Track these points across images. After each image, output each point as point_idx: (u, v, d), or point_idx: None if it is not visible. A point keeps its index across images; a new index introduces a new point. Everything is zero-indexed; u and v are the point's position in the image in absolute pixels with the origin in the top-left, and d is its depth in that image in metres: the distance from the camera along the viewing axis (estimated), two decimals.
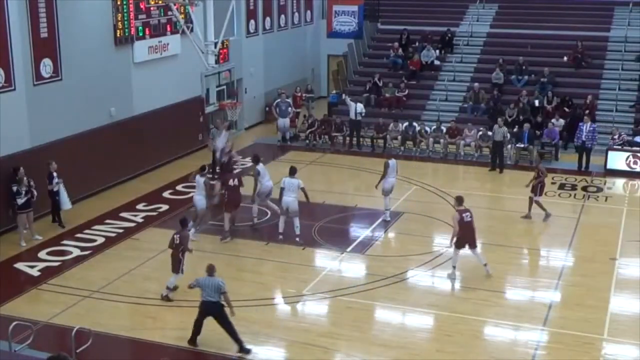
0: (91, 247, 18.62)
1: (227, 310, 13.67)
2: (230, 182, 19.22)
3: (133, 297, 15.91)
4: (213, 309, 13.65)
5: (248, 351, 13.68)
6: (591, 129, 25.25)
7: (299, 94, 31.30)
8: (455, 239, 16.73)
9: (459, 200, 17.18)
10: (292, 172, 18.78)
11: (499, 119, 25.71)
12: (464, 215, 16.68)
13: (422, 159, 26.67)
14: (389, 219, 20.42)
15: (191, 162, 25.81)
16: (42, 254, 18.21)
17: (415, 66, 31.64)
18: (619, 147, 25.26)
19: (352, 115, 27.72)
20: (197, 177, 19.06)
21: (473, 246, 16.91)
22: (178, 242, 15.50)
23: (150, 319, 15.15)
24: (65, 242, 19.00)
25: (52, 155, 19.88)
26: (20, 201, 18.51)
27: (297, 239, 18.60)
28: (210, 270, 13.77)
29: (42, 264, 17.67)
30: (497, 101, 28.84)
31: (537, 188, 20.50)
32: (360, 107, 27.93)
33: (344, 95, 29.71)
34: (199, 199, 18.92)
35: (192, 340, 13.91)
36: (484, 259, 17.00)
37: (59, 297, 15.96)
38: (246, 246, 18.85)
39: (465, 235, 16.67)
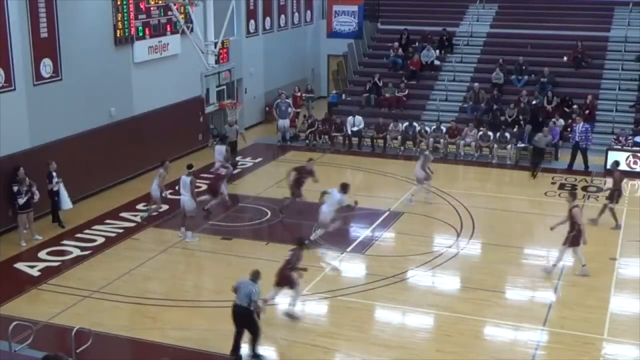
0: (91, 247, 18.62)
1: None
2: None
3: (133, 297, 15.90)
4: (243, 315, 13.26)
5: (260, 357, 13.54)
6: (584, 129, 25.22)
7: (299, 94, 31.29)
8: (572, 235, 16.80)
9: (574, 195, 17.29)
10: (343, 188, 18.38)
11: (545, 128, 25.40)
12: (580, 210, 16.88)
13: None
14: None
15: (191, 162, 25.81)
16: (42, 254, 18.21)
17: (415, 66, 31.63)
18: (619, 147, 25.28)
19: (349, 130, 27.79)
20: (183, 177, 19.00)
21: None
22: (289, 258, 14.91)
23: (150, 319, 15.15)
24: (65, 242, 18.99)
25: (52, 155, 19.88)
26: (21, 201, 18.51)
27: (307, 241, 18.05)
28: (254, 275, 13.45)
29: (42, 264, 17.66)
30: (497, 101, 28.87)
31: (614, 195, 20.22)
32: (358, 120, 27.92)
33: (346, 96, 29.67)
34: (187, 200, 18.85)
35: (233, 351, 13.49)
36: (584, 259, 17.09)
37: (59, 297, 15.96)
38: (246, 246, 18.85)
39: (579, 233, 16.82)
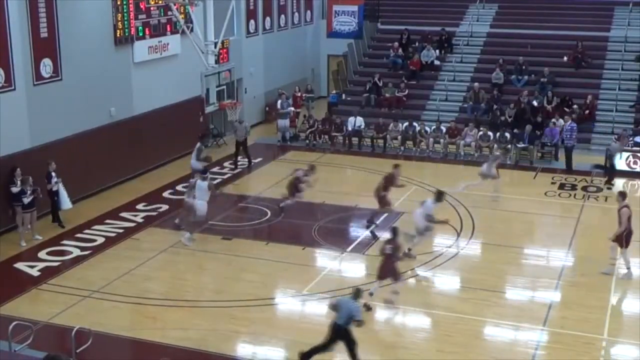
0: (91, 247, 18.61)
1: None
2: None
3: (133, 297, 15.91)
4: (342, 334, 13.07)
5: None
6: (569, 127, 25.27)
7: (299, 94, 31.29)
8: (625, 237, 16.68)
9: (624, 195, 17.12)
10: (437, 196, 18.03)
11: (615, 137, 25.29)
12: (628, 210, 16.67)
13: (422, 159, 26.68)
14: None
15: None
16: (42, 254, 18.20)
17: (415, 66, 31.64)
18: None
19: (349, 128, 27.86)
20: (199, 181, 18.92)
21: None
22: (389, 252, 15.35)
23: (150, 319, 15.15)
24: (65, 242, 18.99)
25: (52, 155, 19.87)
26: (26, 200, 18.48)
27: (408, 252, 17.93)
28: (356, 294, 13.28)
29: (42, 264, 17.66)
30: (497, 101, 28.89)
31: None
32: (359, 121, 27.95)
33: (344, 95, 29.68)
34: (201, 204, 18.78)
35: (306, 355, 13.31)
36: (629, 262, 16.98)
37: (59, 297, 15.96)
38: (246, 246, 18.85)
39: (630, 233, 16.73)
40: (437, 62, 32.11)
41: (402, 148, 27.37)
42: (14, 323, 13.35)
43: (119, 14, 22.88)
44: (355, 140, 27.89)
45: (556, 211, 21.30)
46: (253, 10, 31.14)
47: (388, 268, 15.42)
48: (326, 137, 28.36)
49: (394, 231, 15.83)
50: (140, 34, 23.95)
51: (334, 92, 33.86)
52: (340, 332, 13.03)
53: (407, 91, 30.42)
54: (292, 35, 34.56)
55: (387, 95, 30.41)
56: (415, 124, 27.71)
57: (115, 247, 18.71)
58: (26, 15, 19.61)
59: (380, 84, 30.83)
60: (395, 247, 15.56)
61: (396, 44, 32.71)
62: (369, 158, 26.52)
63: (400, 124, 27.75)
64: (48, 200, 19.74)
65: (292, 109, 29.39)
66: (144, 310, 15.52)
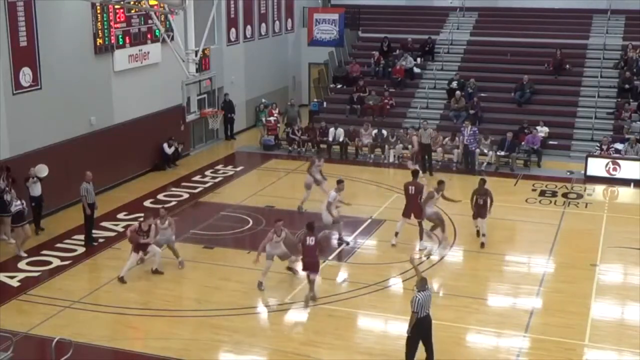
0: (71, 257, 18.48)
1: None
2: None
3: (114, 307, 15.81)
4: (429, 322, 13.21)
5: None
6: (472, 132, 25.59)
7: (275, 110, 30.86)
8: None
9: (414, 174, 19.50)
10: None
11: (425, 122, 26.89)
12: (409, 187, 18.69)
13: (391, 166, 26.76)
14: None
15: (173, 171, 25.74)
16: (21, 264, 18.04)
17: (400, 74, 31.74)
18: (598, 154, 25.47)
19: (330, 139, 27.91)
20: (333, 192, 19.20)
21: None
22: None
23: (132, 329, 15.07)
24: (45, 252, 18.83)
25: (32, 164, 19.72)
26: (12, 209, 18.29)
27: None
28: (424, 283, 13.21)
29: (22, 274, 17.51)
30: (477, 108, 29.07)
31: None
32: (340, 132, 27.98)
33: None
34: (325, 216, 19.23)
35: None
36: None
37: (39, 308, 15.82)
38: (228, 255, 18.79)
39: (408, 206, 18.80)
40: (416, 70, 32.26)
41: (372, 155, 27.44)
42: None
43: (99, 23, 22.79)
44: (337, 149, 27.88)
45: (537, 218, 21.38)
46: (234, 19, 31.12)
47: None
48: (309, 144, 28.36)
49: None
50: (121, 43, 23.86)
51: (315, 100, 33.87)
52: (427, 323, 13.15)
53: (393, 101, 30.48)
54: (273, 44, 34.56)
55: (370, 103, 30.47)
56: (383, 130, 27.78)
57: (96, 257, 18.59)
58: (5, 24, 19.49)
59: (365, 92, 30.92)
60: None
61: (376, 53, 32.83)
62: (351, 166, 26.53)
63: (371, 130, 27.86)
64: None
65: (277, 116, 29.50)
66: (125, 320, 15.43)
